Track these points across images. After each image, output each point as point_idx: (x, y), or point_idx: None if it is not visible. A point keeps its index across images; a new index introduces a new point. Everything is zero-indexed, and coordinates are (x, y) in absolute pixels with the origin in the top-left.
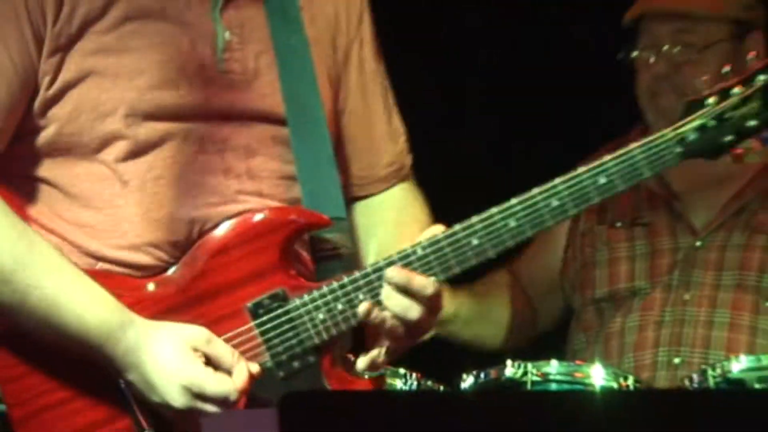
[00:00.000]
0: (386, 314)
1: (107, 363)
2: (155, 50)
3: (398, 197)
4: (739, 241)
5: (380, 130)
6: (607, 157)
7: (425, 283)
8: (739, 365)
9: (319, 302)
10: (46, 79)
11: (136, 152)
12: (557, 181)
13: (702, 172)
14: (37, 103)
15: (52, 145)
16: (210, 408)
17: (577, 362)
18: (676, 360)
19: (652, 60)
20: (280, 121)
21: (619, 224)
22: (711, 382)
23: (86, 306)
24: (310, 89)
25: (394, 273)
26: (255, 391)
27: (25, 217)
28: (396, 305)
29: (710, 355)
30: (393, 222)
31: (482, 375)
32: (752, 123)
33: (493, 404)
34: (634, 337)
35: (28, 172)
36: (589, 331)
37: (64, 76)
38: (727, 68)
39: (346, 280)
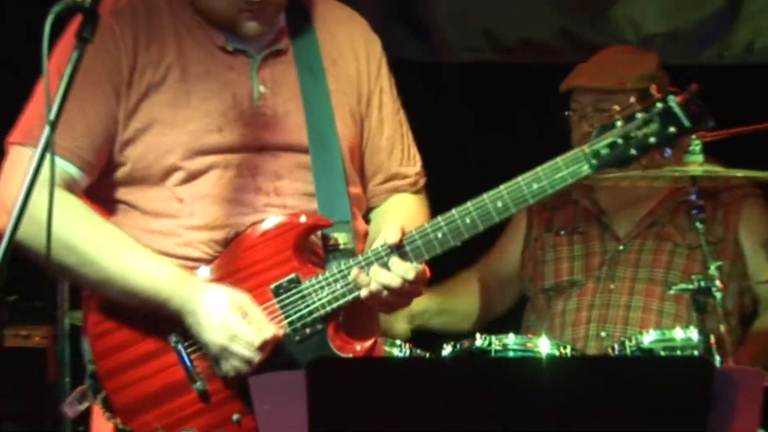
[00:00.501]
0: (373, 283)
1: (172, 314)
2: (202, 103)
3: (401, 198)
4: (651, 246)
5: (396, 158)
6: (539, 168)
7: (404, 267)
8: (649, 338)
9: (323, 283)
10: (122, 127)
11: (188, 179)
12: (502, 187)
13: (624, 195)
14: (116, 146)
15: (129, 176)
16: (239, 349)
17: (529, 335)
18: (603, 333)
19: (577, 120)
20: (303, 151)
21: (562, 233)
22: (628, 350)
23: (157, 271)
24: (328, 127)
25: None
26: (276, 352)
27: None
28: (381, 276)
29: (628, 330)
30: (394, 209)
31: (458, 345)
32: (652, 140)
33: (466, 367)
34: (572, 316)
35: (112, 196)
36: (539, 312)
37: (135, 125)
38: (633, 99)
39: (344, 266)
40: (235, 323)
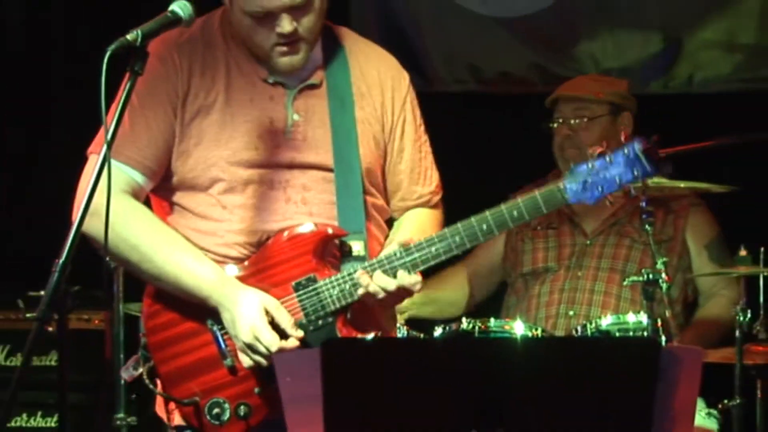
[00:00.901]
0: (372, 285)
1: (211, 307)
2: (243, 126)
3: (416, 212)
4: (613, 242)
5: (414, 180)
6: (519, 198)
7: (404, 276)
8: (606, 321)
9: (335, 283)
10: (178, 141)
11: (229, 189)
12: (487, 212)
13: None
14: (173, 156)
15: (182, 183)
16: (260, 349)
17: (506, 319)
18: (571, 312)
19: (559, 127)
20: (328, 170)
21: (539, 228)
22: (589, 332)
23: (202, 272)
24: (352, 151)
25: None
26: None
27: (168, 225)
28: (381, 280)
29: (591, 309)
30: (406, 222)
31: (447, 327)
32: (617, 181)
33: (454, 346)
34: (546, 298)
35: (170, 198)
36: (518, 294)
37: (188, 140)
38: (604, 144)
39: (352, 270)
40: (260, 328)
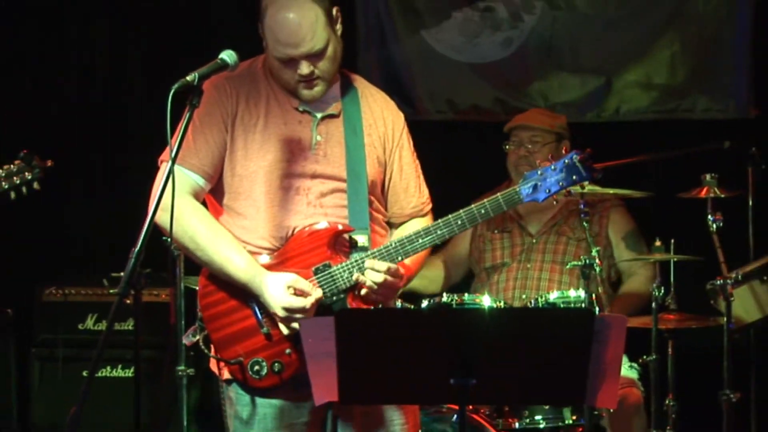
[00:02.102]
0: (366, 278)
1: (249, 291)
2: (278, 143)
3: (413, 222)
4: (553, 240)
5: (410, 193)
6: (485, 200)
7: (390, 266)
8: (553, 296)
9: (346, 268)
10: (228, 152)
11: (265, 193)
12: (461, 211)
13: (534, 206)
14: (225, 165)
15: (230, 187)
16: (294, 316)
17: (476, 294)
18: (523, 296)
19: (515, 149)
20: (341, 180)
21: (496, 231)
22: (540, 304)
23: (242, 264)
24: (361, 166)
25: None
26: (319, 311)
27: (218, 222)
28: (371, 275)
29: (540, 293)
30: (400, 230)
31: (431, 300)
32: (561, 184)
33: (437, 314)
34: (503, 285)
35: (222, 201)
36: (482, 282)
37: (234, 154)
38: (550, 156)
39: (358, 257)
40: (287, 301)
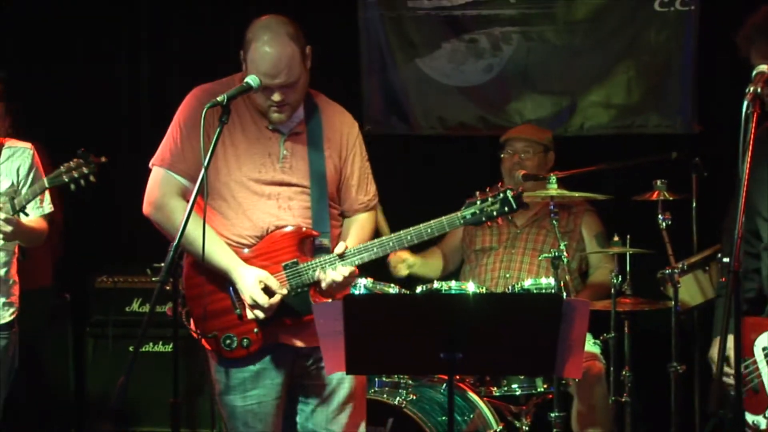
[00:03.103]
0: (327, 277)
1: (228, 278)
2: (252, 156)
3: (360, 218)
4: (535, 231)
5: (360, 192)
6: (432, 221)
7: (345, 270)
8: (527, 283)
9: (310, 266)
10: (210, 163)
11: (243, 198)
12: (411, 229)
13: None
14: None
15: (212, 191)
16: (258, 306)
17: (462, 281)
18: (507, 275)
19: (510, 156)
20: (306, 187)
21: (486, 229)
22: (516, 289)
23: (223, 256)
24: (321, 175)
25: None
26: (283, 300)
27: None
28: (333, 275)
29: (521, 273)
30: (353, 229)
31: (425, 286)
32: (494, 213)
33: (429, 298)
34: (491, 266)
35: (208, 203)
36: (471, 264)
37: (216, 163)
38: (499, 185)
39: (320, 259)
40: (255, 294)
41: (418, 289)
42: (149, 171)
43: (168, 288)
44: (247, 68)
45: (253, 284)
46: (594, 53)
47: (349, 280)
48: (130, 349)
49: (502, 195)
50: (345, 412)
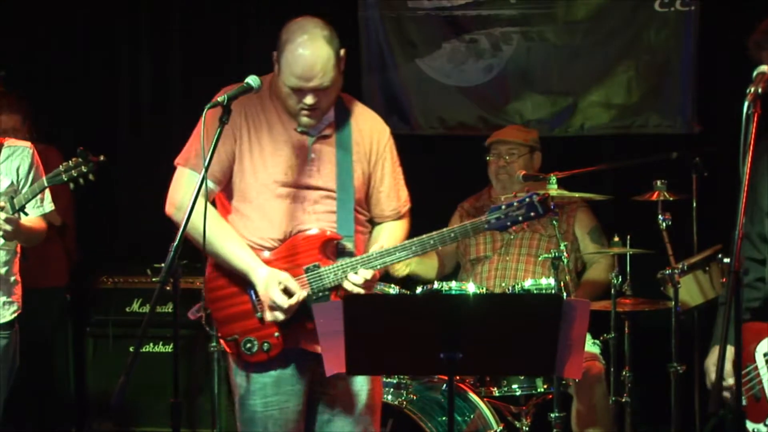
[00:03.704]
0: (349, 281)
1: (248, 280)
2: (279, 158)
3: (391, 224)
4: (528, 236)
5: (390, 198)
6: (456, 226)
7: (367, 273)
8: (527, 283)
9: (332, 270)
10: (237, 161)
11: (267, 200)
12: (434, 233)
13: None
14: (234, 172)
15: (237, 192)
16: (276, 307)
17: (462, 281)
18: (503, 284)
19: (495, 159)
20: (332, 191)
21: None
22: (516, 290)
23: (243, 256)
24: (348, 179)
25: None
26: (303, 304)
27: (225, 221)
28: (355, 279)
29: (516, 281)
30: (383, 235)
31: (425, 287)
32: (519, 218)
33: (429, 299)
34: (486, 274)
35: (231, 203)
36: (467, 273)
37: (243, 163)
38: (526, 189)
39: (344, 262)
40: (274, 295)
41: (418, 290)
42: (149, 171)
43: (168, 288)
44: (280, 69)
45: (273, 285)
46: (594, 53)
47: (370, 286)
48: (131, 349)
49: (528, 200)
50: (362, 423)
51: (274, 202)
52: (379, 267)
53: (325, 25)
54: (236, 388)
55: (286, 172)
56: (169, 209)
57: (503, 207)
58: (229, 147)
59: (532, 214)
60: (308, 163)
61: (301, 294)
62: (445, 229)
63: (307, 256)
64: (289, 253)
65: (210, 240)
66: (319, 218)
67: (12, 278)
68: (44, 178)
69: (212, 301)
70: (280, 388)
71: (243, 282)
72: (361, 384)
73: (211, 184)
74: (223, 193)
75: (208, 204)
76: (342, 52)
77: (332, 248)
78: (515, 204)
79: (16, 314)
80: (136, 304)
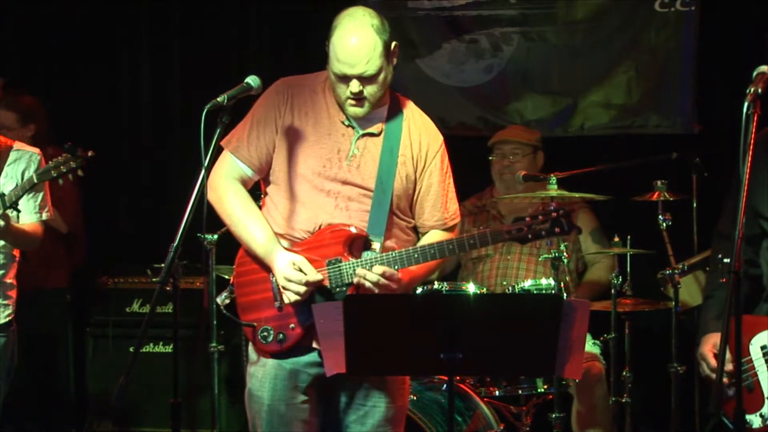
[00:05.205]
0: (361, 277)
1: (268, 264)
2: (319, 149)
3: (433, 233)
4: None
5: (435, 208)
6: (476, 233)
7: (385, 271)
8: (527, 283)
9: (353, 266)
10: (277, 151)
11: (302, 191)
12: (454, 239)
13: (514, 206)
14: (273, 161)
15: (274, 180)
16: (292, 286)
17: (462, 282)
18: (504, 282)
19: (499, 159)
20: (369, 190)
21: (480, 227)
22: (516, 290)
23: (264, 241)
24: (389, 182)
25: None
26: (319, 296)
27: (255, 207)
28: (367, 275)
29: (518, 280)
30: (422, 241)
31: (425, 287)
32: (542, 233)
33: (429, 299)
34: (487, 273)
35: (266, 190)
36: (468, 272)
37: (281, 154)
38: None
39: (360, 260)
40: (288, 273)
41: (419, 290)
42: (149, 171)
43: (168, 288)
44: (329, 57)
45: (287, 265)
46: (594, 53)
47: (386, 284)
48: (131, 349)
49: (554, 214)
50: None
51: (309, 194)
52: (398, 268)
53: (375, 14)
54: (248, 377)
55: (324, 164)
56: (210, 194)
57: (527, 218)
58: (269, 136)
59: (557, 230)
60: (349, 158)
61: (316, 276)
62: (465, 236)
63: (331, 250)
64: (314, 245)
65: (235, 222)
66: (351, 216)
67: (8, 281)
68: (34, 174)
69: (238, 285)
70: (292, 382)
71: (268, 269)
72: (379, 395)
73: (249, 172)
74: (261, 180)
75: (241, 188)
76: (393, 45)
77: (359, 246)
78: (540, 217)
79: (10, 317)
80: (136, 305)
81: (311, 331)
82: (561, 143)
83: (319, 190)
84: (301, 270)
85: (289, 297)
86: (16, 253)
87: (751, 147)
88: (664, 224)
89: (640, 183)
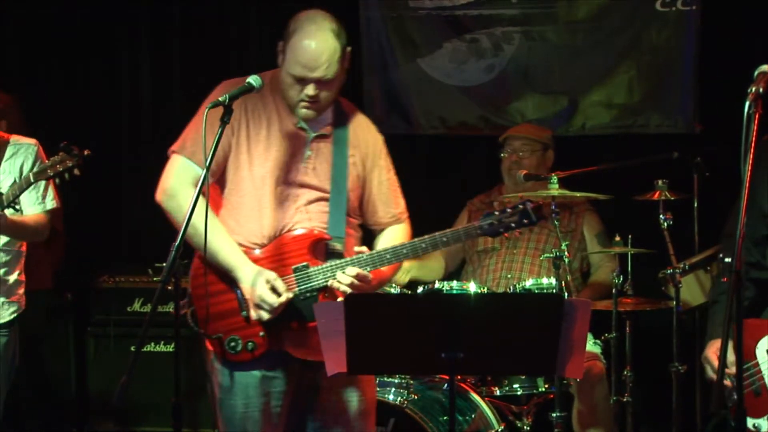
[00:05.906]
0: (336, 279)
1: (235, 277)
2: (274, 153)
3: (393, 229)
4: (536, 231)
5: (388, 205)
6: (449, 230)
7: (352, 271)
8: (528, 282)
9: (320, 271)
10: (232, 155)
11: (260, 196)
12: (426, 237)
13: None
14: (228, 165)
15: (231, 184)
16: (265, 306)
17: (464, 281)
18: (509, 276)
19: (509, 155)
20: (325, 191)
21: None
22: (518, 289)
23: (229, 253)
24: (342, 181)
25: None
26: (290, 304)
27: (216, 216)
28: (341, 278)
29: (522, 273)
30: (385, 239)
31: (426, 287)
32: (512, 225)
33: (430, 298)
34: (493, 266)
35: (221, 195)
36: (474, 264)
37: (239, 156)
38: (531, 200)
39: (332, 263)
40: (263, 294)
41: (419, 290)
42: (150, 171)
43: (170, 288)
44: (285, 58)
45: (261, 283)
46: (595, 53)
47: (360, 286)
48: (132, 349)
49: (521, 207)
50: (356, 430)
51: (267, 198)
52: (369, 269)
53: (333, 19)
54: (217, 387)
55: (281, 167)
56: (159, 196)
57: (496, 213)
58: (225, 139)
59: (525, 221)
60: (304, 160)
61: (287, 294)
62: (437, 233)
63: (296, 256)
64: (277, 252)
65: (199, 233)
66: (311, 218)
67: (12, 279)
68: (30, 174)
69: (198, 297)
70: (263, 389)
71: (229, 279)
72: (352, 390)
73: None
74: (216, 186)
75: (201, 198)
76: (348, 49)
77: (321, 249)
78: (508, 210)
79: (15, 315)
80: (137, 304)
81: (281, 334)
82: (562, 143)
83: (279, 194)
84: (273, 288)
85: (261, 315)
86: (24, 248)
87: (752, 147)
88: (665, 224)
89: (641, 182)
